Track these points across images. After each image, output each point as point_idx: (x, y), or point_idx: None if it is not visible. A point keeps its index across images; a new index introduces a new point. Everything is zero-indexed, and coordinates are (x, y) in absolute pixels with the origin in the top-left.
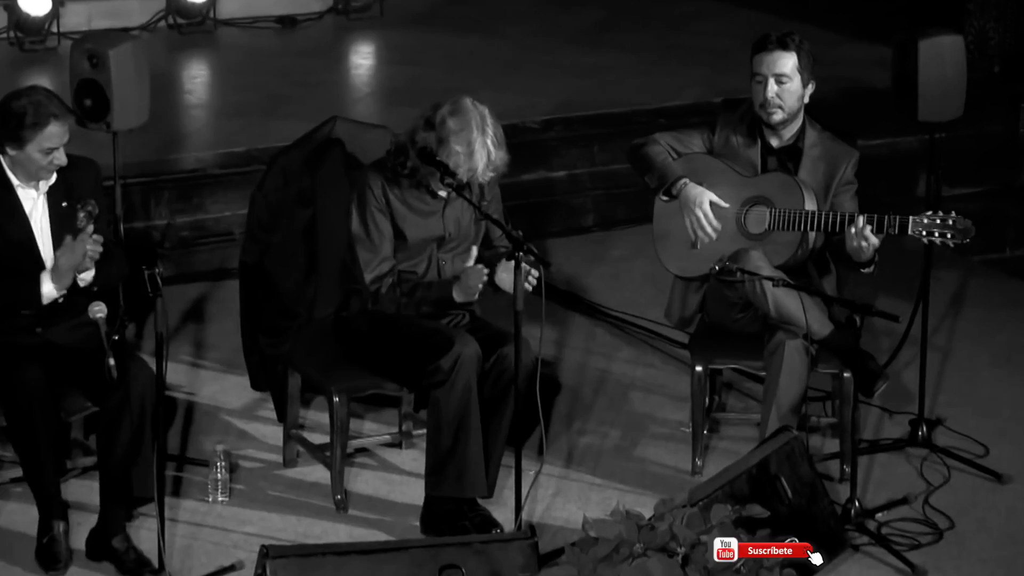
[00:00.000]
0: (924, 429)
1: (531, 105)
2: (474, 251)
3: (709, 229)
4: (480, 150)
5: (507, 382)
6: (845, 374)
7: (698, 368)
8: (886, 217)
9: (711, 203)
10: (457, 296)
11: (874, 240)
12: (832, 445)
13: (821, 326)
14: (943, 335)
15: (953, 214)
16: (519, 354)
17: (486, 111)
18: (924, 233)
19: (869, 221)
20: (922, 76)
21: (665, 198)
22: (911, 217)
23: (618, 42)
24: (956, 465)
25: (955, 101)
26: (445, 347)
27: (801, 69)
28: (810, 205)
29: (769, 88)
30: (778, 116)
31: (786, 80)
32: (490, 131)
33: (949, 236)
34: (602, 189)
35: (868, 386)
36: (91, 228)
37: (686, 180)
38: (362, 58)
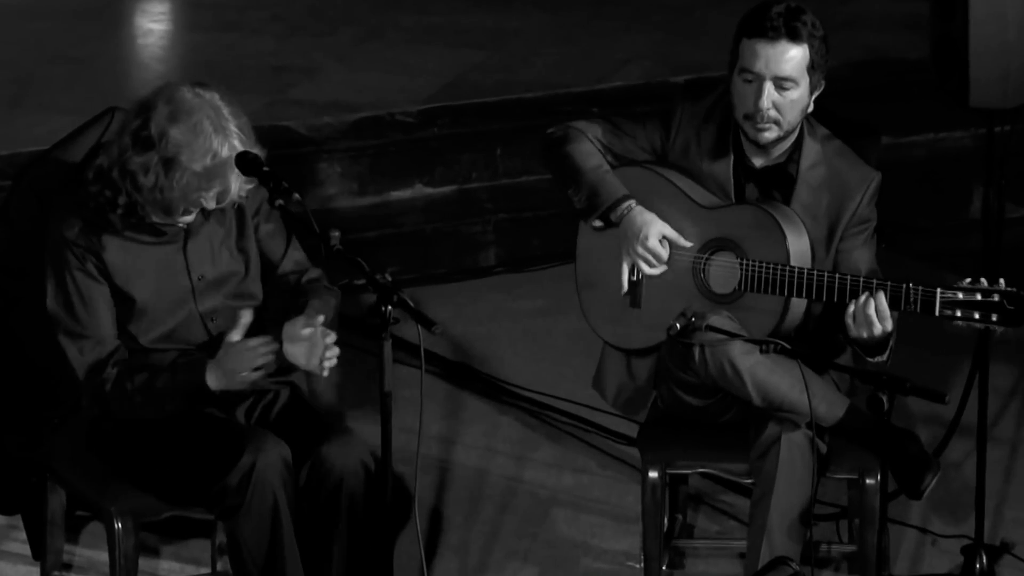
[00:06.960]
0: (984, 560)
1: (403, 89)
2: (247, 316)
3: (655, 267)
4: (229, 158)
5: (328, 496)
6: (868, 480)
7: (652, 474)
8: (904, 288)
9: (663, 239)
10: (214, 382)
11: (887, 323)
12: None
13: (831, 406)
14: (1009, 423)
15: (1002, 284)
16: (388, 459)
17: (216, 97)
18: (959, 314)
19: (881, 290)
20: (974, 43)
21: (599, 223)
22: (939, 290)
23: None
24: None
25: (1022, 79)
26: (232, 455)
27: (812, 68)
28: (798, 257)
29: (764, 96)
30: (771, 134)
31: (790, 86)
32: (232, 125)
33: (995, 318)
34: (509, 212)
35: (913, 483)
36: None
37: (632, 202)
38: (152, 20)
